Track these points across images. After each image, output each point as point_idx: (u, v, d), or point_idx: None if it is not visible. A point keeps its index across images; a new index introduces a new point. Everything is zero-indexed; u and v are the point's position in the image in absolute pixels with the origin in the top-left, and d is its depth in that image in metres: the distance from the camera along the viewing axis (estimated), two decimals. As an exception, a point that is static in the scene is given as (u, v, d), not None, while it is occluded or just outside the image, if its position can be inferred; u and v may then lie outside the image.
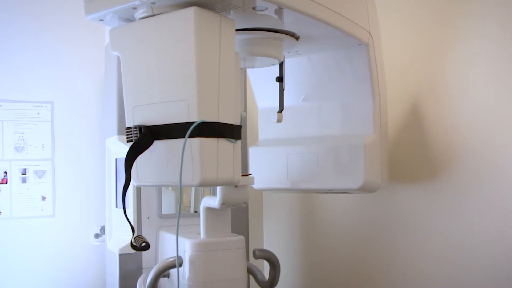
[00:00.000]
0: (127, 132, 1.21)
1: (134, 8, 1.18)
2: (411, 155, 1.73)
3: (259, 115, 1.83)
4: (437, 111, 1.65)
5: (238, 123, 1.22)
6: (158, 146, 1.17)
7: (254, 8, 1.21)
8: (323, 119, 1.66)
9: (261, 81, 1.74)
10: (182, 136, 1.10)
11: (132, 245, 1.24)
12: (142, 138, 1.17)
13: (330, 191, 1.64)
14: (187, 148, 1.11)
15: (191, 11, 1.09)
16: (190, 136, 1.10)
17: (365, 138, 1.54)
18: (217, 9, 1.15)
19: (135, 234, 1.24)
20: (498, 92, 1.51)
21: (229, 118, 1.17)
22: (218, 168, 1.14)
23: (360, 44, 1.48)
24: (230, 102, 1.16)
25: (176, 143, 1.12)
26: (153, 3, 1.13)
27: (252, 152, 1.79)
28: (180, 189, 1.15)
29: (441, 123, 1.64)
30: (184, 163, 1.12)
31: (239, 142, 1.22)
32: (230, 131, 1.17)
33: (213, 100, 1.12)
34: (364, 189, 1.55)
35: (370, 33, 1.49)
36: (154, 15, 1.17)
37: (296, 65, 1.67)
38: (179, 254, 1.54)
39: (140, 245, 1.23)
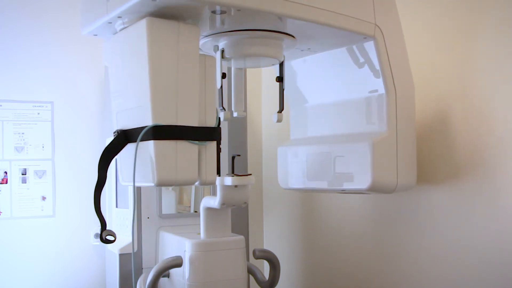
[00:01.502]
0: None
1: (110, 23, 1.26)
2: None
3: (290, 114, 1.79)
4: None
5: (211, 125, 1.27)
6: (132, 148, 1.24)
7: (213, 12, 1.22)
8: (341, 117, 1.62)
9: (293, 79, 1.71)
10: (142, 139, 1.19)
11: (100, 236, 1.31)
12: (115, 141, 1.27)
13: (343, 191, 1.60)
14: (147, 150, 1.19)
15: (144, 22, 1.16)
16: (148, 139, 1.17)
17: (375, 136, 1.49)
18: (177, 17, 1.20)
19: (106, 228, 1.32)
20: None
21: (191, 121, 1.22)
22: (177, 168, 1.20)
23: (365, 38, 1.44)
24: (192, 105, 1.22)
25: (140, 145, 1.21)
26: (119, 16, 1.21)
27: (279, 151, 1.75)
28: (134, 189, 1.28)
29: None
30: (146, 165, 1.20)
31: (212, 143, 1.27)
32: (192, 133, 1.22)
33: (170, 104, 1.18)
34: (374, 189, 1.49)
35: (377, 25, 1.44)
36: (125, 27, 1.25)
37: (314, 63, 1.64)
38: (179, 254, 1.55)
39: (105, 237, 1.29)
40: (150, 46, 1.16)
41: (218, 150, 1.33)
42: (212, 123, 1.28)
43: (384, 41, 1.46)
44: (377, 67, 1.48)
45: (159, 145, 1.17)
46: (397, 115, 1.51)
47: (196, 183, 1.29)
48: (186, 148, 1.21)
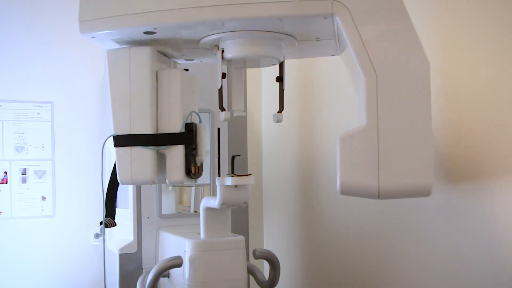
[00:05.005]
0: None
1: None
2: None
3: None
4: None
5: (175, 131, 1.40)
6: None
7: (146, 33, 1.35)
8: (351, 111, 1.52)
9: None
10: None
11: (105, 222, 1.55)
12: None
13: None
14: None
15: (105, 53, 1.42)
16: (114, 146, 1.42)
17: (348, 131, 1.29)
18: (134, 42, 1.41)
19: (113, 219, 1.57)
20: None
21: (144, 129, 1.39)
22: (132, 170, 1.39)
23: (326, 18, 1.28)
24: (144, 116, 1.39)
25: None
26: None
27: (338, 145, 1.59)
28: (104, 193, 1.55)
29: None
30: None
31: (176, 147, 1.40)
32: (146, 140, 1.38)
33: (124, 117, 1.40)
34: (348, 194, 1.30)
35: (335, 1, 1.27)
36: None
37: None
38: (179, 254, 1.55)
39: (103, 222, 1.54)
40: (109, 72, 1.42)
41: (189, 152, 1.41)
42: (175, 129, 1.40)
43: (352, 17, 1.27)
44: (351, 49, 1.28)
45: (118, 151, 1.40)
46: (378, 104, 1.26)
47: (165, 182, 1.45)
48: (140, 153, 1.39)
